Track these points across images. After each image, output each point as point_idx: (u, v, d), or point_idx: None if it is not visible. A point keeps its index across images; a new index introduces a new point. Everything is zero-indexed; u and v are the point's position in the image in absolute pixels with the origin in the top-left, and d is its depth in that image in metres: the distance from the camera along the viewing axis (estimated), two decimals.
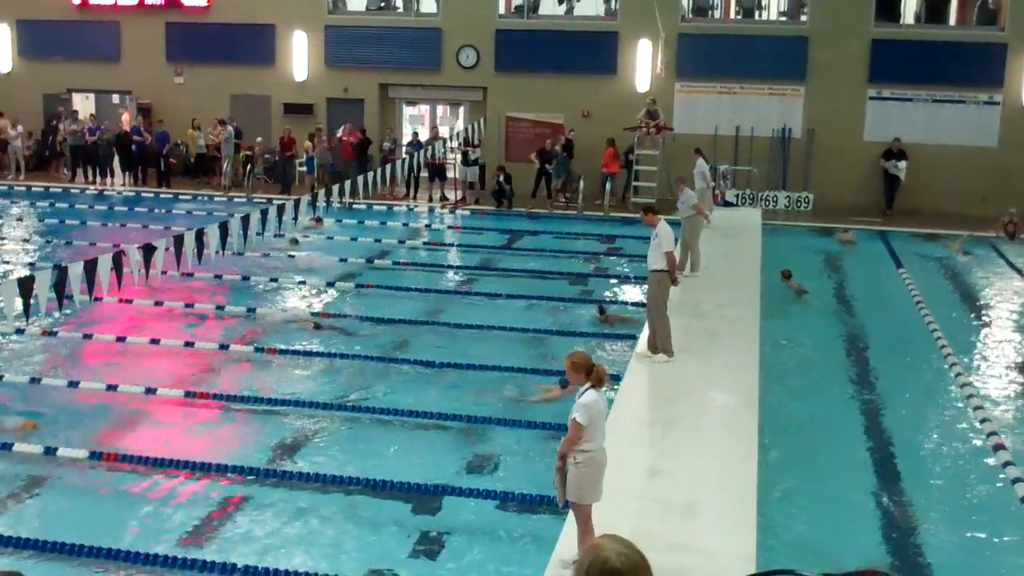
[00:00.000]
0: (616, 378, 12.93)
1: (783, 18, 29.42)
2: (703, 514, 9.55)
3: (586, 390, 8.57)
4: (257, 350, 15.28)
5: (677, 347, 13.98)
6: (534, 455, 11.67)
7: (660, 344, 13.92)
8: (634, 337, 15.40)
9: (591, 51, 28.61)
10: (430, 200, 28.30)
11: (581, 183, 26.62)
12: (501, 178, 27.06)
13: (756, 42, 28.14)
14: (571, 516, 8.89)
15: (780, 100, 28.30)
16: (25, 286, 11.27)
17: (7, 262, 20.76)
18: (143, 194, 28.21)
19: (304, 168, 28.80)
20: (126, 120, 30.07)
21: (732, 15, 29.70)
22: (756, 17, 29.48)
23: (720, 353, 14.55)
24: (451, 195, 28.57)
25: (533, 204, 26.73)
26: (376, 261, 21.14)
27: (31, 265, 19.91)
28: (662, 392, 13.13)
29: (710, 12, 29.83)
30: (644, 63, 28.49)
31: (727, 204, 26.48)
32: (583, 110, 28.63)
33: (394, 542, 9.81)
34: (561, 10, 29.90)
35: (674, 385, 13.20)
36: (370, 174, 21.29)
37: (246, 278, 19.42)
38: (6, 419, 12.38)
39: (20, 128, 29.84)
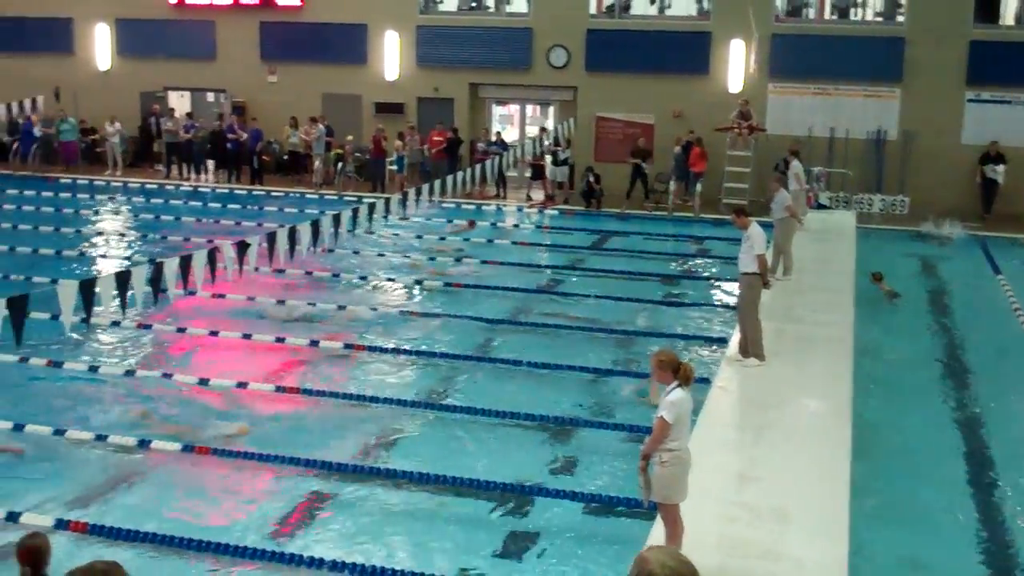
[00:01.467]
0: (704, 381, 12.79)
1: (879, 19, 28.89)
2: (793, 522, 9.39)
3: (672, 388, 8.49)
4: (346, 346, 15.40)
5: (768, 351, 13.79)
6: (621, 457, 11.58)
7: (751, 348, 13.75)
8: (723, 340, 15.25)
9: (683, 51, 28.39)
10: (529, 200, 28.28)
11: (673, 184, 26.44)
12: (591, 178, 26.95)
13: (851, 43, 27.68)
14: (659, 517, 8.80)
15: (875, 102, 27.82)
16: (122, 280, 11.45)
17: (104, 256, 21.16)
18: (236, 191, 28.57)
19: (394, 167, 28.97)
20: (230, 121, 30.46)
21: (826, 15, 29.25)
22: (851, 17, 29.00)
23: (812, 359, 14.32)
24: (536, 195, 28.54)
25: (626, 205, 26.56)
26: (465, 259, 21.16)
27: (127, 259, 20.27)
28: (752, 397, 12.95)
29: (804, 12, 29.40)
30: (737, 63, 28.20)
31: (821, 207, 26.08)
32: (674, 110, 28.41)
33: (480, 542, 9.80)
34: (653, 10, 29.67)
35: (765, 390, 13.01)
36: (459, 173, 21.38)
37: (336, 275, 19.59)
38: (221, 424, 12.57)
39: (118, 125, 30.41)
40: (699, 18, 29.04)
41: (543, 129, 28.98)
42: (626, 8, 29.49)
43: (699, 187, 26.34)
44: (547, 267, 20.90)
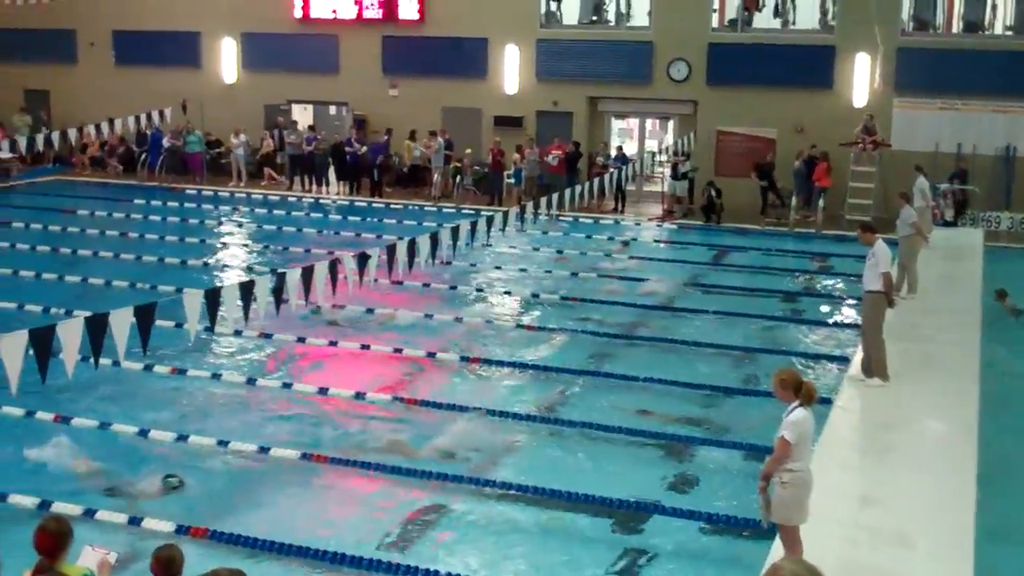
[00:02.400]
0: (826, 401, 12.53)
1: (1009, 32, 28.09)
2: (916, 546, 9.15)
3: (795, 408, 8.35)
4: (463, 359, 15.45)
5: (892, 371, 13.46)
6: (739, 476, 11.40)
7: (875, 368, 13.44)
8: (845, 359, 14.95)
9: (806, 65, 27.93)
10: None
11: (794, 199, 26.05)
12: (712, 192, 26.66)
13: (979, 57, 26.93)
14: (778, 539, 8.63)
15: (1005, 117, 27.03)
16: (246, 290, 11.65)
17: (228, 266, 21.60)
18: (356, 203, 28.91)
19: (512, 180, 29.04)
20: (349, 134, 30.86)
21: (954, 29, 28.55)
22: (980, 31, 28.27)
23: (937, 379, 13.94)
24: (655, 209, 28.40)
25: (764, 221, 26.24)
26: (581, 274, 21.08)
27: (250, 270, 20.65)
28: (875, 418, 12.66)
29: (931, 26, 28.73)
30: (861, 78, 27.65)
31: (947, 224, 25.42)
32: (797, 125, 27.96)
33: (593, 558, 9.72)
34: (776, 23, 29.28)
35: (888, 411, 12.71)
36: (578, 187, 21.35)
37: (453, 287, 19.69)
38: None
39: (243, 137, 31.04)
40: (822, 32, 28.57)
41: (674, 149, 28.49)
42: (748, 22, 29.16)
43: (822, 202, 25.90)
44: (664, 281, 20.65)
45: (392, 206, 28.52)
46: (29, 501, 10.29)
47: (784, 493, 8.26)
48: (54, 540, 6.46)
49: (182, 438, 12.18)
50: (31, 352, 9.14)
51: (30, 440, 12.25)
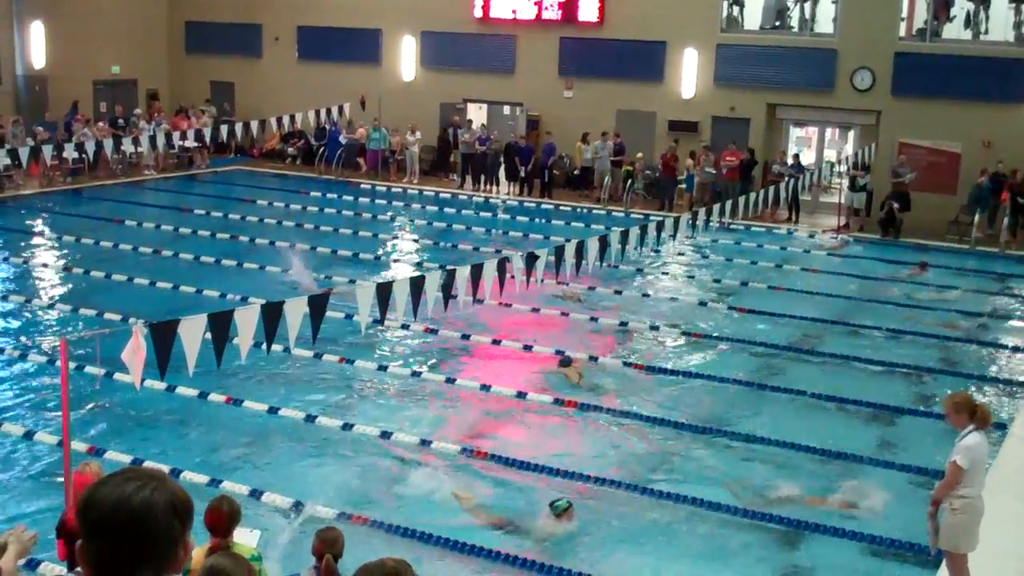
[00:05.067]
0: (1001, 426, 12.03)
1: None
2: None
3: (968, 432, 8.05)
4: (625, 364, 15.35)
5: None
6: (906, 499, 11.02)
7: None
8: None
9: (997, 78, 26.83)
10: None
11: (977, 217, 25.10)
12: (895, 206, 25.84)
13: None
14: (944, 566, 8.31)
15: None
16: (416, 285, 11.79)
17: (398, 261, 21.93)
18: (526, 203, 29.03)
19: (684, 185, 28.74)
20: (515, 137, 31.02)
21: None
22: None
23: None
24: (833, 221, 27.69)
25: (932, 236, 25.42)
26: (751, 283, 20.70)
27: (419, 265, 20.92)
28: None
29: None
30: None
31: None
32: (984, 140, 26.93)
33: (753, 572, 9.52)
34: (967, 34, 28.25)
35: None
36: (751, 195, 20.97)
37: (619, 292, 19.56)
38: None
39: (418, 134, 31.48)
40: (1016, 45, 27.42)
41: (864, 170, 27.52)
42: (937, 32, 28.22)
43: (1007, 221, 24.89)
44: (838, 296, 20.10)
45: (561, 208, 28.53)
46: (200, 478, 10.61)
47: (953, 520, 7.98)
48: (226, 519, 6.66)
49: (347, 426, 12.40)
50: (208, 335, 9.39)
51: (202, 420, 12.68)
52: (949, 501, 8.02)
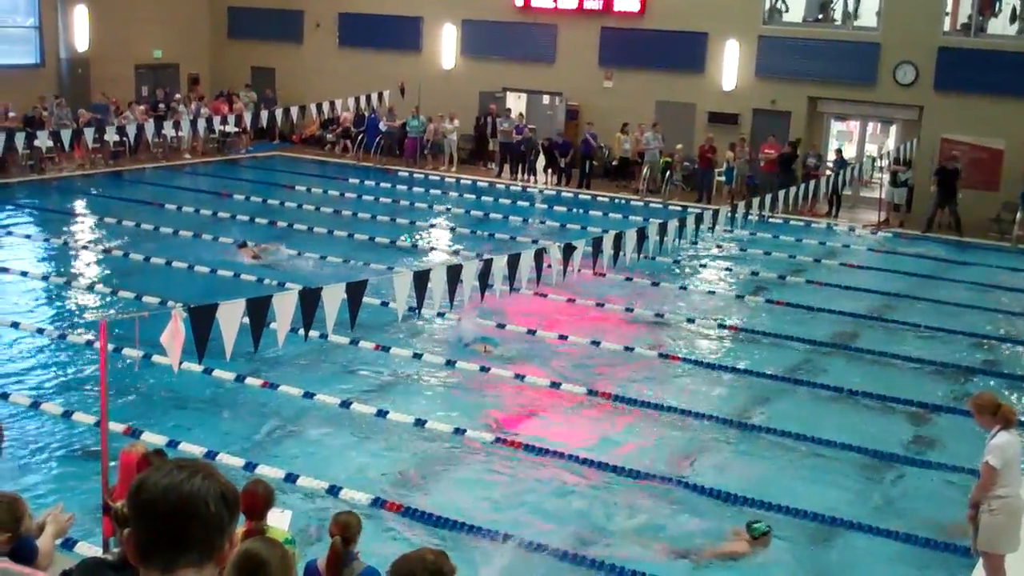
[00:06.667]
0: None
1: None
2: None
3: (997, 432, 8.01)
4: (661, 355, 15.31)
5: None
6: (943, 499, 10.94)
7: None
8: None
9: None
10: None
11: (1019, 214, 24.79)
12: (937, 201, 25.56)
13: None
14: (980, 565, 8.24)
15: None
16: (453, 274, 11.80)
17: (434, 249, 21.95)
18: (563, 194, 28.96)
19: (723, 178, 28.61)
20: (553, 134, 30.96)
21: None
22: None
23: None
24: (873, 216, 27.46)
25: (973, 233, 25.17)
26: (789, 278, 20.58)
27: (456, 254, 20.92)
28: None
29: None
30: None
31: None
32: None
33: (784, 569, 9.49)
34: (1012, 29, 27.90)
35: None
36: (791, 189, 20.81)
37: (656, 283, 19.48)
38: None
39: (456, 123, 31.48)
40: None
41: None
42: (982, 27, 27.91)
43: None
44: (877, 292, 19.93)
45: (598, 199, 28.44)
46: (236, 461, 10.68)
47: (991, 520, 7.93)
48: (262, 502, 6.73)
49: (381, 413, 12.44)
50: (246, 320, 9.44)
51: (238, 403, 12.77)
52: (987, 502, 7.97)
